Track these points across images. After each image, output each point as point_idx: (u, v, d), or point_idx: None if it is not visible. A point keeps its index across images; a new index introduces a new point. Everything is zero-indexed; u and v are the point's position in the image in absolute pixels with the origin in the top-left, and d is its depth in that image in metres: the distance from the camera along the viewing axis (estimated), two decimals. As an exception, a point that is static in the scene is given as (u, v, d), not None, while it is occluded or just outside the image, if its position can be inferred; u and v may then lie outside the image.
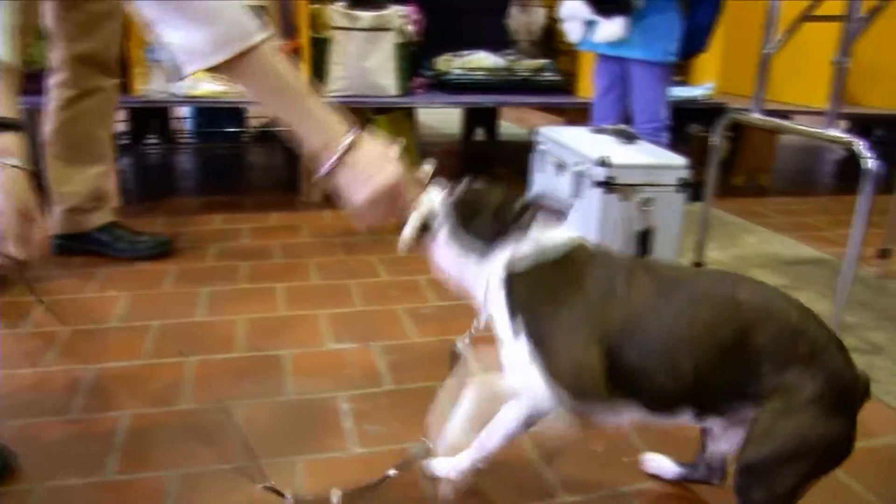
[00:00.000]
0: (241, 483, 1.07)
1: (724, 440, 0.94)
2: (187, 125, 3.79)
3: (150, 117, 3.60)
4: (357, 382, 1.39)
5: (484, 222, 0.93)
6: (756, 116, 1.88)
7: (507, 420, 0.93)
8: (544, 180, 2.03)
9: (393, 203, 0.95)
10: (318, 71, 2.55)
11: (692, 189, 2.00)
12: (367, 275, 1.94)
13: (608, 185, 1.67)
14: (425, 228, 0.96)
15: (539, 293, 0.88)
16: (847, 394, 0.81)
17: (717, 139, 1.94)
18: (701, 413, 0.87)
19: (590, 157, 1.72)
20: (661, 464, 1.13)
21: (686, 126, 2.99)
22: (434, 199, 0.97)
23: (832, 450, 0.82)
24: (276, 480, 1.07)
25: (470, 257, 0.94)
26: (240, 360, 1.45)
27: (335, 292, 1.83)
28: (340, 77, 2.58)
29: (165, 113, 3.65)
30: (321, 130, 0.93)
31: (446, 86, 2.89)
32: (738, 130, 3.18)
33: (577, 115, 2.85)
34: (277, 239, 2.21)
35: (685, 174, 1.74)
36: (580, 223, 1.74)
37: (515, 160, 2.86)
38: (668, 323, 0.83)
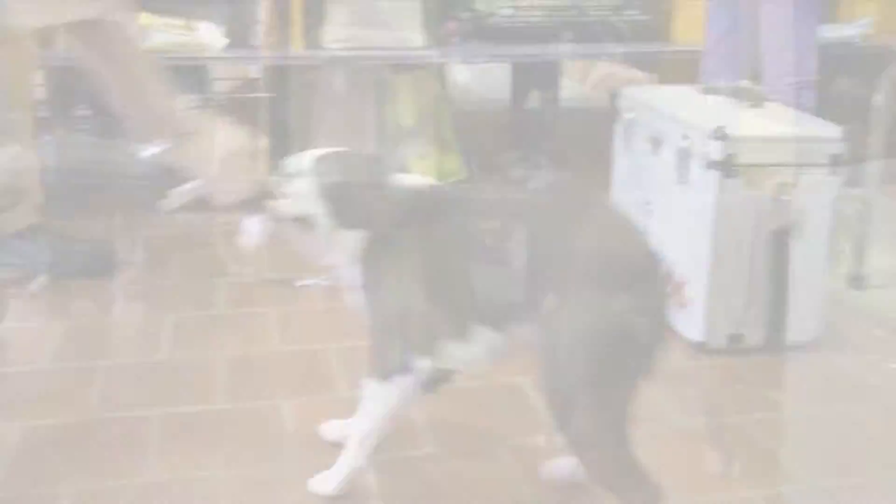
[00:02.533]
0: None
1: None
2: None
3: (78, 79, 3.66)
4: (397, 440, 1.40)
5: (364, 209, 1.21)
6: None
7: (371, 397, 1.23)
8: (632, 162, 2.04)
9: (246, 171, 1.33)
10: (313, 15, 2.59)
11: (847, 170, 1.98)
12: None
13: (727, 166, 1.67)
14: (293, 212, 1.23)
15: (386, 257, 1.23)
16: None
17: (882, 97, 1.92)
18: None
19: (700, 127, 1.73)
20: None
21: (834, 80, 2.97)
22: (300, 176, 1.21)
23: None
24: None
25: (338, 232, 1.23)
26: (220, 415, 1.48)
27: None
28: (343, 23, 2.62)
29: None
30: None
31: (490, 32, 2.92)
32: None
33: (675, 70, 2.85)
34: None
35: (840, 149, 1.74)
36: (687, 219, 1.75)
37: (585, 135, 2.87)
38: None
